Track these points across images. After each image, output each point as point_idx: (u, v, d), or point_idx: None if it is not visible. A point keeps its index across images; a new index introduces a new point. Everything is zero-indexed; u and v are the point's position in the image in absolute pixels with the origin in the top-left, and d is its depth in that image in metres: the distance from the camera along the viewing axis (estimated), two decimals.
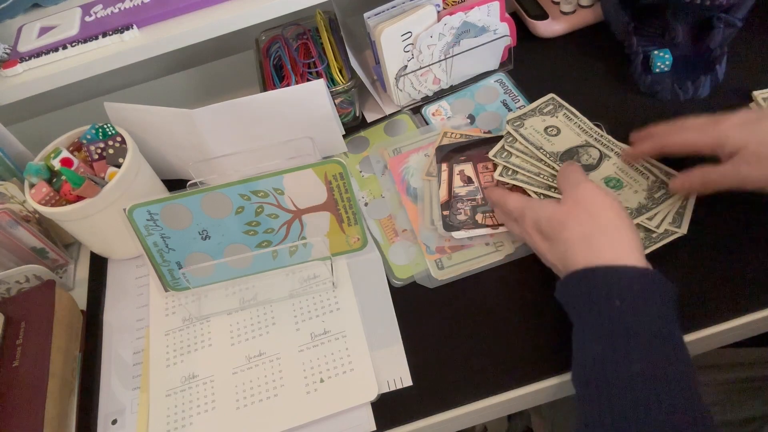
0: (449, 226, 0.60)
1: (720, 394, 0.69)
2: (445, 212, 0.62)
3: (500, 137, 0.63)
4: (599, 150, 0.61)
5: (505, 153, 0.62)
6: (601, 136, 0.63)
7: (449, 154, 0.66)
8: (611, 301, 0.44)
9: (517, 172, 0.60)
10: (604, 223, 0.47)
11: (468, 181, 0.64)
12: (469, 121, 0.71)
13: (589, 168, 0.60)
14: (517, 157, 0.61)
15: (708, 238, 0.56)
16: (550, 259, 0.51)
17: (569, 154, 0.61)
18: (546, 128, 0.64)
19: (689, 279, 0.54)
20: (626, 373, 0.41)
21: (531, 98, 0.71)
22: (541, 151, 0.61)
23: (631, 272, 0.45)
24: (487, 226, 0.60)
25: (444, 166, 0.65)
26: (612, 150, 0.61)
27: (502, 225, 0.59)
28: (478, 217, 0.61)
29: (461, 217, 0.61)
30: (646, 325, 0.43)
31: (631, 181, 0.59)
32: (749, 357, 0.70)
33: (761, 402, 0.67)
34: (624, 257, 0.45)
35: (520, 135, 0.62)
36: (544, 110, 0.65)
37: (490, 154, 0.62)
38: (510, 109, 0.71)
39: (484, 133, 0.69)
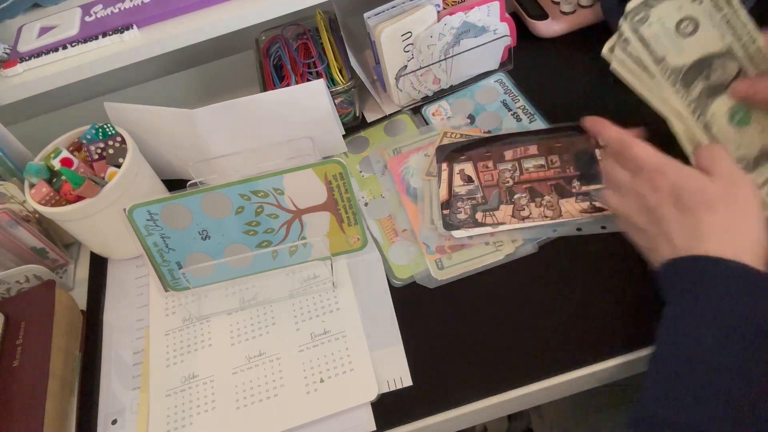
0: (449, 225, 0.60)
1: None
2: (445, 211, 0.61)
3: (505, 135, 0.61)
4: (740, 65, 0.50)
5: (615, 63, 0.49)
6: (753, 42, 0.49)
7: (450, 154, 0.66)
8: (738, 298, 0.41)
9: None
10: (753, 225, 0.44)
11: (468, 180, 0.63)
12: (469, 121, 0.71)
13: (716, 90, 0.50)
14: (629, 72, 0.49)
15: None
16: (669, 229, 0.46)
17: (697, 69, 0.50)
18: (680, 21, 0.49)
19: None
20: (740, 366, 0.39)
21: (531, 98, 0.71)
22: (661, 66, 0.49)
23: (755, 275, 0.42)
24: (487, 224, 0.60)
25: (444, 166, 0.65)
26: (758, 66, 0.50)
27: (502, 224, 0.59)
28: (478, 216, 0.61)
29: (461, 216, 0.61)
30: (763, 326, 0.40)
31: (761, 118, 0.50)
32: None
33: None
34: (752, 255, 0.42)
35: (639, 37, 0.48)
36: None
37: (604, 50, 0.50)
38: (510, 110, 0.71)
39: (484, 132, 0.69)
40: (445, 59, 0.70)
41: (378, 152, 0.71)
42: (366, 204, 0.67)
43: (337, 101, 0.70)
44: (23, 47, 0.67)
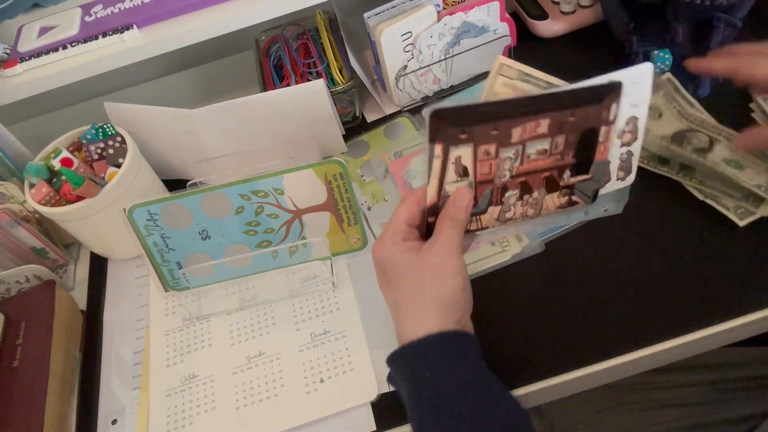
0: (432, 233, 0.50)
1: (717, 392, 0.69)
2: (431, 219, 0.50)
3: (519, 100, 0.48)
4: (708, 135, 0.59)
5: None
6: (702, 121, 0.60)
7: (448, 129, 0.46)
8: (421, 375, 0.44)
9: None
10: (441, 277, 0.46)
11: (463, 173, 0.49)
12: None
13: (702, 151, 0.58)
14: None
15: None
16: (386, 299, 0.51)
17: (678, 139, 0.59)
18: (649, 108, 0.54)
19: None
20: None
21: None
22: (651, 133, 0.58)
23: (430, 340, 0.45)
24: (471, 230, 0.52)
25: (438, 150, 0.47)
26: (720, 134, 0.59)
27: (485, 228, 0.52)
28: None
29: None
30: (454, 381, 0.43)
31: (750, 163, 0.57)
32: (747, 357, 0.70)
33: (758, 401, 0.67)
34: (435, 321, 0.45)
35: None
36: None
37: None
38: None
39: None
40: (445, 59, 0.70)
41: (379, 156, 0.70)
42: (369, 208, 0.66)
43: (337, 101, 0.70)
44: (23, 47, 0.67)
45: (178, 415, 0.55)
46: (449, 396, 0.43)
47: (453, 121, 0.46)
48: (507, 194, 0.52)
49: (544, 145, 0.51)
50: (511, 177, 0.51)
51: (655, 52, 0.68)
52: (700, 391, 0.69)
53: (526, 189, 0.52)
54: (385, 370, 0.54)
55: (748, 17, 0.64)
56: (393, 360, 0.47)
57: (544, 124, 0.50)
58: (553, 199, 0.53)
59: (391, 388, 0.53)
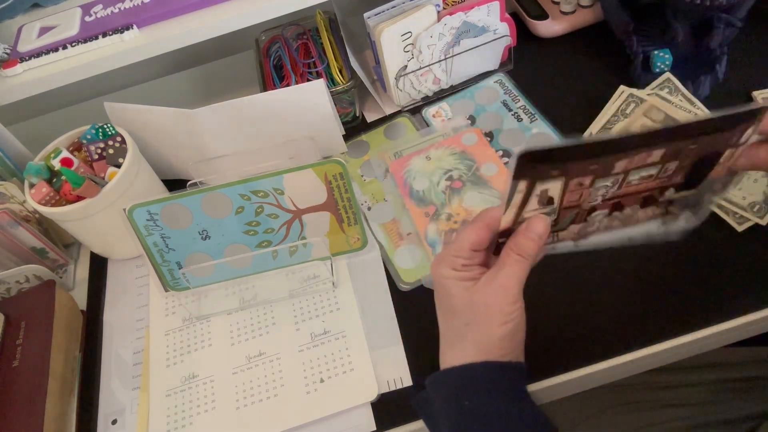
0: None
1: (719, 392, 0.69)
2: (501, 240, 0.46)
3: (640, 136, 0.41)
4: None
5: None
6: None
7: (537, 166, 0.41)
8: (461, 402, 0.43)
9: None
10: (491, 322, 0.44)
11: (547, 202, 0.44)
12: (469, 122, 0.71)
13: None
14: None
15: None
16: (439, 315, 0.49)
17: None
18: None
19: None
20: None
21: (531, 99, 0.71)
22: None
23: (473, 368, 0.44)
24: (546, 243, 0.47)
25: (522, 186, 0.42)
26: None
27: (562, 241, 0.48)
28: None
29: None
30: (496, 413, 0.43)
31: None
32: (749, 356, 0.70)
33: (759, 400, 0.67)
34: (481, 355, 0.44)
35: None
36: (626, 111, 0.59)
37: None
38: (510, 110, 0.71)
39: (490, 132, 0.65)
40: (445, 59, 0.70)
41: (379, 156, 0.70)
42: (369, 208, 0.66)
43: (337, 101, 0.70)
44: (23, 47, 0.67)
45: (178, 415, 0.55)
46: (486, 427, 0.42)
47: (545, 160, 0.41)
48: (594, 214, 0.47)
49: (651, 171, 0.45)
50: (603, 200, 0.46)
51: (655, 52, 0.68)
52: (700, 391, 0.69)
53: (617, 208, 0.47)
54: (385, 370, 0.54)
55: (748, 17, 0.65)
56: (433, 381, 0.46)
57: (656, 154, 0.44)
58: (646, 213, 0.48)
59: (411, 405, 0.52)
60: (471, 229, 0.45)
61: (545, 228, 0.44)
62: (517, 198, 0.43)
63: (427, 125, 0.72)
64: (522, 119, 0.69)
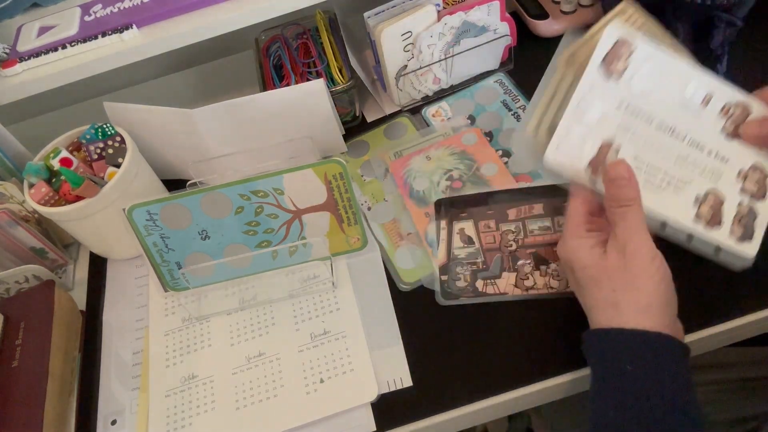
0: (447, 294, 0.57)
1: (719, 392, 0.69)
2: (444, 277, 0.57)
3: (509, 191, 0.58)
4: None
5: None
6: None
7: (449, 210, 0.61)
8: (622, 366, 0.42)
9: None
10: (637, 282, 0.43)
11: (468, 241, 0.59)
12: (469, 121, 0.71)
13: None
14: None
15: None
16: (577, 296, 0.48)
17: None
18: None
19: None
20: None
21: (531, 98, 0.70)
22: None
23: (643, 336, 0.42)
24: (488, 294, 0.56)
25: (443, 224, 0.61)
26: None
27: (504, 294, 0.56)
28: (479, 284, 0.57)
29: (460, 284, 0.57)
30: (658, 390, 0.41)
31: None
32: (749, 356, 0.70)
33: (760, 401, 0.67)
34: (643, 319, 0.43)
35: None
36: None
37: None
38: (510, 110, 0.70)
39: (485, 133, 0.68)
40: (445, 59, 0.70)
41: (379, 156, 0.70)
42: (369, 208, 0.66)
43: (337, 101, 0.70)
44: (22, 47, 0.67)
45: (178, 415, 0.55)
46: (646, 399, 0.41)
47: (454, 205, 0.61)
48: (519, 262, 0.57)
49: (545, 222, 0.59)
50: (519, 247, 0.58)
51: None
52: (700, 392, 0.69)
53: (540, 260, 0.57)
54: (385, 371, 0.54)
55: (749, 16, 0.64)
56: (595, 337, 0.44)
57: (537, 207, 0.60)
58: None
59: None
60: (575, 199, 0.46)
61: (623, 166, 0.44)
62: (443, 234, 0.59)
63: (427, 125, 0.72)
64: (521, 119, 0.69)
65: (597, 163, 0.46)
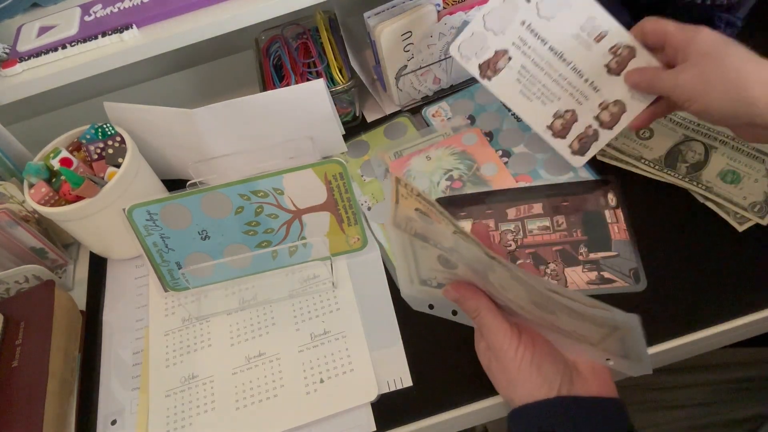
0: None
1: (718, 393, 0.69)
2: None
3: (508, 191, 0.60)
4: (702, 142, 0.59)
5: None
6: (698, 124, 0.61)
7: (447, 209, 0.55)
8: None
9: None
10: (512, 376, 0.46)
11: None
12: (469, 121, 0.71)
13: (698, 166, 0.58)
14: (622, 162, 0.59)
15: None
16: None
17: (672, 157, 0.59)
18: (637, 133, 0.62)
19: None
20: None
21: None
22: (643, 161, 0.59)
23: (538, 406, 0.45)
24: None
25: None
26: (716, 138, 0.59)
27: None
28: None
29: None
30: None
31: (747, 170, 0.57)
32: (748, 357, 0.70)
33: (759, 402, 0.67)
34: (534, 398, 0.45)
35: (613, 148, 0.60)
36: None
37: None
38: (510, 110, 0.70)
39: (484, 134, 0.67)
40: (445, 59, 0.70)
41: (379, 156, 0.70)
42: (369, 208, 0.66)
43: (336, 101, 0.70)
44: (22, 47, 0.67)
45: (178, 415, 0.55)
46: None
47: (453, 204, 0.62)
48: (518, 262, 0.58)
49: (544, 222, 0.60)
50: (518, 247, 0.58)
51: None
52: (702, 392, 0.69)
53: (539, 260, 0.57)
54: (385, 371, 0.54)
55: (749, 17, 0.64)
56: (517, 416, 0.46)
57: (537, 206, 0.61)
58: (578, 274, 0.56)
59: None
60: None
61: (452, 291, 0.48)
62: None
63: (428, 125, 0.72)
64: (521, 119, 0.69)
65: (487, 66, 0.55)
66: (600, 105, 0.55)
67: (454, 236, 0.42)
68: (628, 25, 0.69)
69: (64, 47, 0.65)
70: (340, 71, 0.70)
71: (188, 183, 0.63)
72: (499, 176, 0.65)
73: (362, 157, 0.71)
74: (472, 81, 0.75)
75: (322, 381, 0.55)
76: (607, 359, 0.45)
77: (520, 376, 0.46)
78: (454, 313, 0.51)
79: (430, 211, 0.45)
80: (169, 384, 0.57)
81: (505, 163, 0.66)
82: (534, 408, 0.45)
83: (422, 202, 0.45)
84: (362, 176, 0.69)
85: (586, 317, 0.39)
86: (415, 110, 0.74)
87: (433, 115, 0.73)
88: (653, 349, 0.51)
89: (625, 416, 0.46)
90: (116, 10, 0.68)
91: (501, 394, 0.49)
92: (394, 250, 0.50)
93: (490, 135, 0.69)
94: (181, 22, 0.65)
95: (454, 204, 0.62)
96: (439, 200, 0.62)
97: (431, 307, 0.52)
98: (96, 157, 0.62)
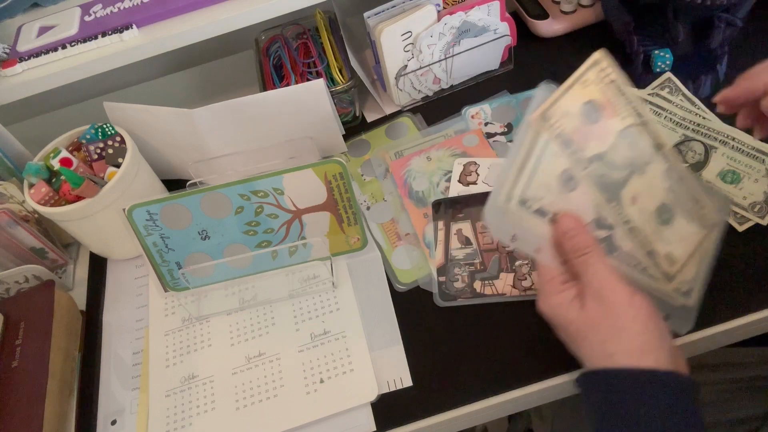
0: (445, 295, 0.57)
1: (719, 393, 0.69)
2: (441, 278, 0.57)
3: None
4: (702, 142, 0.58)
5: None
6: (698, 125, 0.59)
7: (447, 211, 0.61)
8: (634, 408, 0.40)
9: None
10: (623, 328, 0.42)
11: (466, 242, 0.58)
12: (506, 129, 0.69)
13: (697, 167, 0.56)
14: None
15: None
16: (574, 353, 0.46)
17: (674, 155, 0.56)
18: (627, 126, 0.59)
19: None
20: None
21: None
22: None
23: (651, 375, 0.41)
24: (486, 295, 0.56)
25: (440, 225, 0.60)
26: (717, 138, 0.57)
27: (503, 294, 0.55)
28: (477, 285, 0.57)
29: (458, 285, 0.57)
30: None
31: (747, 170, 0.55)
32: (749, 357, 0.70)
33: (760, 402, 0.67)
34: (643, 361, 0.41)
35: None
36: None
37: None
38: None
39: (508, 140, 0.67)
40: (445, 59, 0.70)
41: (379, 155, 0.70)
42: (368, 208, 0.66)
43: (336, 101, 0.70)
44: (22, 47, 0.67)
45: (178, 415, 0.55)
46: None
47: (452, 205, 0.60)
48: (517, 263, 0.57)
49: None
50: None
51: (656, 51, 0.68)
52: (703, 392, 0.69)
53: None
54: (385, 371, 0.54)
55: (749, 16, 0.64)
56: (595, 378, 0.43)
57: None
58: None
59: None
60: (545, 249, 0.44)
61: (570, 220, 0.43)
62: (441, 235, 0.58)
63: (461, 122, 0.70)
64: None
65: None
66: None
67: (625, 130, 0.39)
68: (627, 24, 0.70)
69: (64, 47, 0.65)
70: (340, 71, 0.70)
71: (188, 183, 0.63)
72: None
73: (363, 157, 0.71)
74: (472, 81, 0.75)
75: (322, 381, 0.55)
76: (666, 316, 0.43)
77: (635, 325, 0.41)
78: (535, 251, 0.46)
79: (612, 101, 0.41)
80: (169, 384, 0.57)
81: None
82: (670, 378, 0.41)
83: (612, 90, 0.41)
84: (362, 176, 0.69)
85: (704, 205, 0.40)
86: (415, 110, 0.74)
87: (473, 116, 0.71)
88: None
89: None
90: (116, 10, 0.68)
91: (584, 349, 0.44)
92: (512, 155, 0.43)
93: None
94: (181, 22, 0.65)
95: (452, 206, 0.62)
96: (438, 201, 0.62)
97: (514, 238, 0.45)
98: (96, 157, 0.62)
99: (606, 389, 0.42)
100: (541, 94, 0.43)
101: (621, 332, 0.42)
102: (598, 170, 0.41)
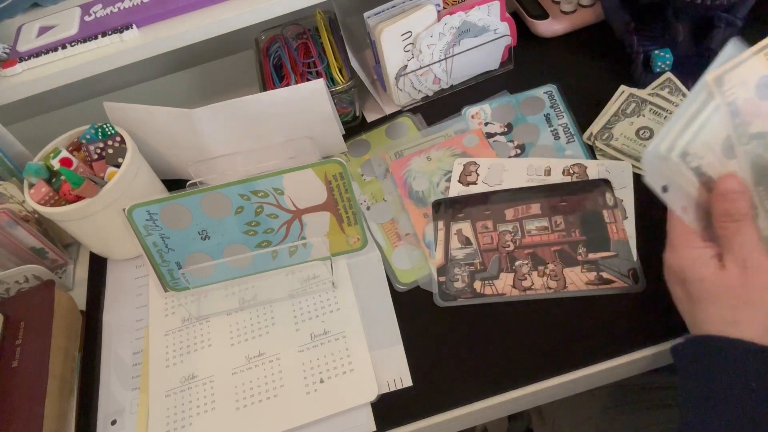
0: (445, 295, 0.57)
1: None
2: (441, 278, 0.58)
3: (507, 191, 0.58)
4: None
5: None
6: None
7: (447, 211, 0.61)
8: (743, 382, 0.38)
9: None
10: (760, 301, 0.40)
11: (466, 242, 0.59)
12: (506, 129, 0.69)
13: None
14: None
15: None
16: (681, 308, 0.45)
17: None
18: (637, 131, 0.58)
19: None
20: None
21: (573, 114, 0.68)
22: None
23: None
24: (486, 295, 0.56)
25: (441, 225, 0.61)
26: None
27: (503, 294, 0.56)
28: (477, 285, 0.57)
29: (459, 285, 0.57)
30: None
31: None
32: None
33: None
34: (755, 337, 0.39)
35: (613, 149, 0.57)
36: (626, 111, 0.59)
37: None
38: (550, 125, 0.67)
39: (515, 148, 0.66)
40: (445, 59, 0.70)
41: (379, 155, 0.70)
42: (368, 208, 0.66)
43: (336, 101, 0.70)
44: (22, 47, 0.67)
45: (178, 415, 0.55)
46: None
47: (452, 205, 0.62)
48: (517, 263, 0.58)
49: (542, 222, 0.59)
50: (517, 248, 0.58)
51: (656, 51, 0.68)
52: None
53: (537, 260, 0.57)
54: (385, 371, 0.54)
55: (749, 16, 0.64)
56: (705, 345, 0.41)
57: (534, 207, 0.60)
58: (577, 274, 0.56)
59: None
60: (690, 210, 0.43)
61: (736, 181, 0.42)
62: (441, 235, 0.59)
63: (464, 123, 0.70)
64: (560, 137, 0.66)
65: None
66: None
67: None
68: (627, 24, 0.70)
69: (64, 47, 0.65)
70: (340, 71, 0.70)
71: (188, 183, 0.63)
72: None
73: (363, 157, 0.71)
74: (472, 81, 0.75)
75: (322, 381, 0.55)
76: None
77: None
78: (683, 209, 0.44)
79: None
80: (169, 384, 0.57)
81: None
82: None
83: None
84: (362, 175, 0.69)
85: None
86: (415, 110, 0.74)
87: (473, 116, 0.71)
88: (653, 350, 0.51)
89: None
90: (116, 10, 0.68)
91: (707, 312, 0.41)
92: (683, 108, 0.43)
93: (521, 148, 0.66)
94: (181, 22, 0.65)
95: (452, 206, 0.62)
96: (438, 201, 0.63)
97: (664, 189, 0.43)
98: (96, 157, 0.62)
99: (716, 358, 0.40)
100: (729, 50, 0.43)
101: (756, 305, 0.40)
102: (756, 149, 0.40)
